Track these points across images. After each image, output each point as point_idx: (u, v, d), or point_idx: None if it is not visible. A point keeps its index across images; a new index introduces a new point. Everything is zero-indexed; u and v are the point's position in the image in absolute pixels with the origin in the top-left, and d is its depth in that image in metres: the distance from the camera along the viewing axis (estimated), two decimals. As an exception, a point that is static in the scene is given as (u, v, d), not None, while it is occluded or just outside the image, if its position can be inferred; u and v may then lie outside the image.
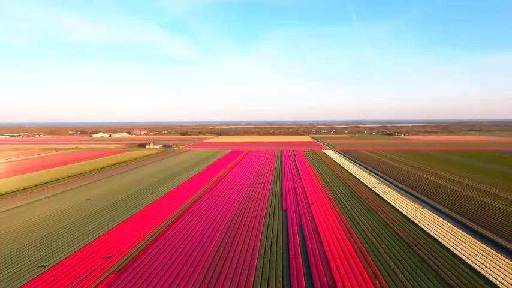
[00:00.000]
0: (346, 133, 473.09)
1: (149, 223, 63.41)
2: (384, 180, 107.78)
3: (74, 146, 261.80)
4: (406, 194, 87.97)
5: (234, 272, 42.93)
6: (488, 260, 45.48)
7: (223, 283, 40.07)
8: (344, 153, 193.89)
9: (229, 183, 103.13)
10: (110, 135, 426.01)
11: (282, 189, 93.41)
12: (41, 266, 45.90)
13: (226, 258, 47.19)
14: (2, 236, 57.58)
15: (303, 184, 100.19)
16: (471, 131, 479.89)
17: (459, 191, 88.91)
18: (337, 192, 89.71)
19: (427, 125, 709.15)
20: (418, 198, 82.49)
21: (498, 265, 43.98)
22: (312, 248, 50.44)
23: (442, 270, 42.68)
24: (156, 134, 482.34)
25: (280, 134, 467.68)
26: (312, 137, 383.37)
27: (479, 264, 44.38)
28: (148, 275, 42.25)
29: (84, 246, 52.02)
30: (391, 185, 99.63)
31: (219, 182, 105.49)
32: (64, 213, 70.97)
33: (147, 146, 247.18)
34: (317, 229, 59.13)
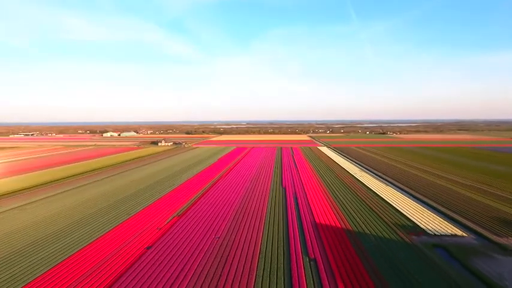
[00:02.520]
0: (342, 132, 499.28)
1: (190, 192, 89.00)
2: (365, 169, 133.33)
3: (93, 143, 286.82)
4: (380, 178, 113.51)
5: (253, 212, 68.53)
6: (412, 209, 71.32)
7: (245, 222, 65.77)
8: (336, 150, 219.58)
9: (238, 171, 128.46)
10: (119, 134, 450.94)
11: (282, 174, 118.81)
12: (126, 214, 71.35)
13: (246, 209, 73.00)
14: (98, 196, 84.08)
15: (298, 171, 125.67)
16: (460, 130, 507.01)
17: (420, 175, 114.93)
18: (325, 176, 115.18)
19: (420, 125, 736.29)
20: (388, 181, 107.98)
21: (416, 210, 69.85)
22: (301, 205, 75.96)
23: (383, 215, 68.29)
24: (162, 133, 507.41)
25: (279, 133, 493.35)
26: (310, 136, 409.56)
27: (410, 213, 70.16)
28: (198, 218, 67.66)
29: (151, 203, 77.99)
30: (370, 173, 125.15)
31: (231, 170, 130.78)
32: (124, 187, 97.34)
33: (159, 144, 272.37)
34: (306, 197, 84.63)
